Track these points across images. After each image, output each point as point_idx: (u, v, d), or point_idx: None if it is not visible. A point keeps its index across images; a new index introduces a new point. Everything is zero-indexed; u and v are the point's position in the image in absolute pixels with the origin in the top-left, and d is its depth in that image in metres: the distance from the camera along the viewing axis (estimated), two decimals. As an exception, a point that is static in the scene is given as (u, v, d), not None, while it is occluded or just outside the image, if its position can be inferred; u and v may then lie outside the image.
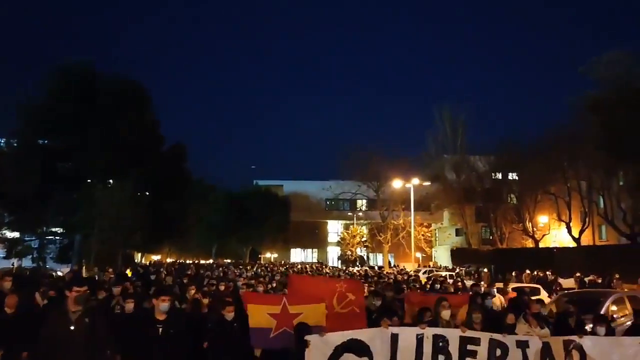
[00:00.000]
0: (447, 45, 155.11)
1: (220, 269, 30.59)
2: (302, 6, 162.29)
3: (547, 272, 32.80)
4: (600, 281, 26.99)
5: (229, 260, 55.76)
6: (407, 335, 7.04)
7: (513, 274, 33.50)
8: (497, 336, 7.23)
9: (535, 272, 34.30)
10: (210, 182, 53.50)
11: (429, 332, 7.11)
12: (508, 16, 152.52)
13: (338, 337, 6.82)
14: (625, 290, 21.24)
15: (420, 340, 7.00)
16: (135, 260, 44.32)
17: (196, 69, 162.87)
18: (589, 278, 27.02)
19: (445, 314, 8.16)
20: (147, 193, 36.38)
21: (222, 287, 12.98)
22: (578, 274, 30.73)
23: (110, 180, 33.36)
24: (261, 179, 68.96)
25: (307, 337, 6.63)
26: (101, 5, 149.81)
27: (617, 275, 26.04)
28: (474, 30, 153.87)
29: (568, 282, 29.45)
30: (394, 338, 6.96)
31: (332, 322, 7.38)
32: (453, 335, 7.14)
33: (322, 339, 6.74)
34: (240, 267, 35.55)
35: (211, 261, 52.64)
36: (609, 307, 13.04)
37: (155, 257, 54.29)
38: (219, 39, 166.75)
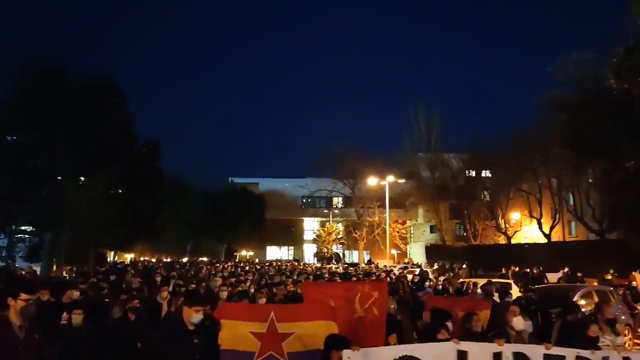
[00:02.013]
0: (421, 45, 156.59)
1: (193, 267, 30.17)
2: (275, 5, 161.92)
3: (534, 268, 33.10)
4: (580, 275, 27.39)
5: (205, 259, 55.42)
6: (480, 353, 5.79)
7: (503, 270, 33.72)
8: (585, 353, 6.21)
9: (517, 268, 34.71)
10: (185, 180, 52.96)
11: (508, 349, 5.90)
12: (480, 17, 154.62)
13: (388, 353, 5.57)
14: (595, 284, 21.92)
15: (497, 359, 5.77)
16: (108, 259, 43.71)
17: (171, 66, 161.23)
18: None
19: (517, 322, 7.24)
20: (120, 191, 35.88)
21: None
22: (566, 269, 31.25)
23: (82, 178, 32.78)
24: (237, 176, 68.63)
25: (345, 353, 5.16)
26: (74, 2, 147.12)
27: (611, 271, 26.51)
28: (447, 31, 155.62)
29: (553, 277, 29.96)
30: (462, 356, 5.69)
31: (352, 329, 6.20)
32: (536, 353, 5.98)
33: (365, 355, 5.26)
34: (217, 264, 35.25)
35: (186, 259, 52.23)
36: (577, 300, 13.58)
37: (129, 256, 53.61)
38: (195, 36, 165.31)
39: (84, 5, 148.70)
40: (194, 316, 5.27)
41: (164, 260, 48.01)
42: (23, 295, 4.44)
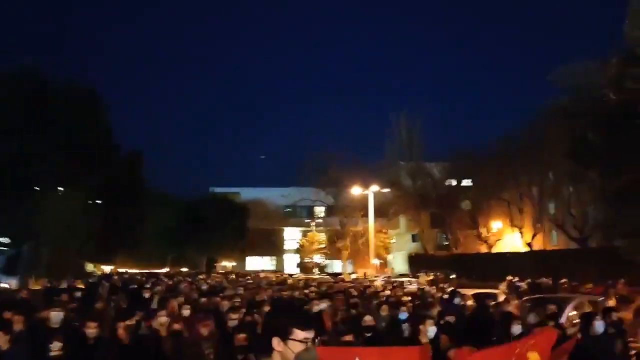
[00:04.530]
0: (404, 54, 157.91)
1: (172, 280, 28.70)
2: (258, 15, 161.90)
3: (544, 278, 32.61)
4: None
5: (185, 269, 54.59)
6: None
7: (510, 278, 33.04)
8: None
9: (515, 279, 33.86)
10: (166, 190, 52.31)
11: None
12: (463, 27, 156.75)
13: None
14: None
15: None
16: (87, 271, 42.76)
17: (151, 75, 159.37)
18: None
19: None
20: (100, 201, 35.25)
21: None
22: (510, 278, 31.09)
23: (61, 188, 32.07)
24: (218, 186, 68.03)
25: None
26: (53, 9, 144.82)
27: (609, 282, 26.33)
28: (431, 40, 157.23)
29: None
30: None
31: None
32: None
33: None
34: (201, 276, 34.56)
35: (165, 270, 51.41)
36: (570, 312, 13.30)
37: (107, 268, 52.53)
38: (175, 45, 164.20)
39: (62, 12, 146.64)
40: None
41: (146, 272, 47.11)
42: None
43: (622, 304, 10.61)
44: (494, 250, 54.17)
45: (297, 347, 2.54)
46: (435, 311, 8.78)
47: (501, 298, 20.18)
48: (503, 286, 30.91)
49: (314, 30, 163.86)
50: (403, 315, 8.94)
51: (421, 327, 6.88)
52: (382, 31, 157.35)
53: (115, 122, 39.97)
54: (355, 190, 44.10)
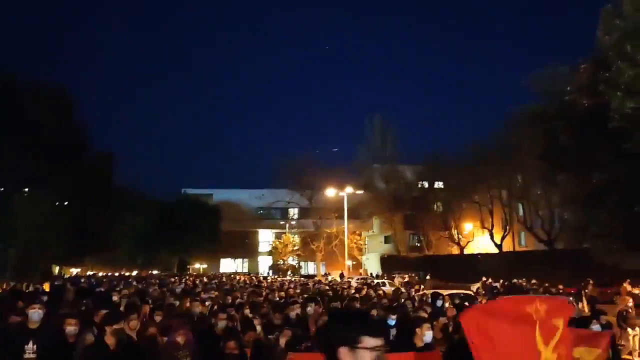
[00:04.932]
0: (379, 58, 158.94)
1: (142, 283, 27.95)
2: (231, 17, 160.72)
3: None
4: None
5: (155, 272, 53.78)
6: None
7: (484, 279, 33.37)
8: None
9: (489, 280, 34.11)
10: (138, 192, 51.41)
11: None
12: (437, 32, 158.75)
13: None
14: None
15: None
16: (54, 274, 41.73)
17: (123, 77, 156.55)
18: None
19: None
20: (69, 203, 34.47)
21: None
22: (484, 279, 31.61)
23: (28, 189, 31.22)
24: (190, 187, 67.26)
25: None
26: (24, 8, 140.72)
27: (582, 283, 27.00)
28: (406, 44, 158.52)
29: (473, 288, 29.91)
30: None
31: None
32: None
33: None
34: (172, 279, 34.00)
35: (135, 273, 50.56)
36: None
37: (75, 270, 51.35)
38: (147, 46, 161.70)
39: (33, 14, 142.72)
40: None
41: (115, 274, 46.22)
42: None
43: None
44: (465, 251, 54.96)
45: (367, 357, 2.37)
46: (423, 314, 8.62)
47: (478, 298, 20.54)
48: (475, 287, 31.54)
49: (287, 32, 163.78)
50: (391, 320, 8.85)
51: (417, 330, 6.66)
52: (357, 35, 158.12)
53: (85, 122, 39.10)
54: (330, 192, 44.12)
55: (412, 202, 58.05)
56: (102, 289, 20.86)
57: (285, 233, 62.62)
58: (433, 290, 14.06)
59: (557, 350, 4.01)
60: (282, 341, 7.36)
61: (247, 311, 10.50)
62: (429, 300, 13.41)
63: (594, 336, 6.55)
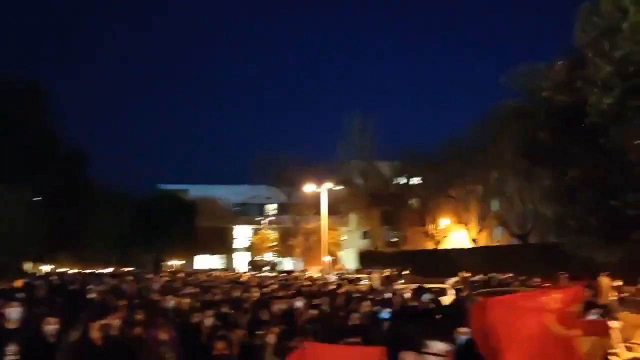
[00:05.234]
0: (358, 54, 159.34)
1: (116, 280, 27.19)
2: (208, 11, 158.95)
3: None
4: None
5: (130, 269, 52.94)
6: None
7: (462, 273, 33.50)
8: None
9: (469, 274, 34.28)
10: (113, 188, 50.55)
11: None
12: (415, 29, 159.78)
13: None
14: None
15: None
16: (27, 272, 40.76)
17: (98, 71, 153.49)
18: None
19: None
20: (42, 199, 33.68)
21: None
22: (464, 273, 31.95)
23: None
24: (166, 183, 66.34)
25: None
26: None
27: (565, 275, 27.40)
28: (383, 41, 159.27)
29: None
30: None
31: None
32: None
33: None
34: (149, 276, 33.42)
35: (109, 270, 49.70)
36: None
37: (47, 268, 50.24)
38: (122, 39, 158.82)
39: (6, 6, 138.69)
40: None
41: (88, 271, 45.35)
42: None
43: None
44: (441, 246, 55.58)
45: None
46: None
47: (449, 293, 20.76)
48: (450, 281, 31.94)
49: (267, 27, 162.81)
50: (385, 314, 8.78)
51: None
52: (336, 31, 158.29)
53: (59, 118, 38.20)
54: (309, 188, 44.10)
55: (390, 198, 58.47)
56: (76, 287, 20.45)
57: (262, 229, 62.35)
58: (417, 285, 14.06)
59: (574, 332, 4.05)
60: (271, 338, 7.24)
61: (225, 309, 10.29)
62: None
63: (589, 324, 6.50)
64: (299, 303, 10.30)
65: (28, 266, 43.68)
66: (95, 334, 6.69)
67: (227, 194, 63.62)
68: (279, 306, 10.54)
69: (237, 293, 16.15)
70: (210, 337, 7.44)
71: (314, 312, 9.78)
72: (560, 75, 22.72)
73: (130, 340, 7.64)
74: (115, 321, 7.83)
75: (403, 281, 29.19)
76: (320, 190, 41.23)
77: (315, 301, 11.56)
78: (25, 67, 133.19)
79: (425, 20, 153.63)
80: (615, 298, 14.64)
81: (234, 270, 54.15)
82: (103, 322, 6.86)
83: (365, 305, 9.33)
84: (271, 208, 65.57)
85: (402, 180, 59.93)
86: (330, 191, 45.67)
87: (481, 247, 50.90)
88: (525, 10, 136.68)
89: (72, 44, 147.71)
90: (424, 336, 2.22)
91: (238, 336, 7.49)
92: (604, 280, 19.08)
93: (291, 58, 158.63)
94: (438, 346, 2.17)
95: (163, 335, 6.79)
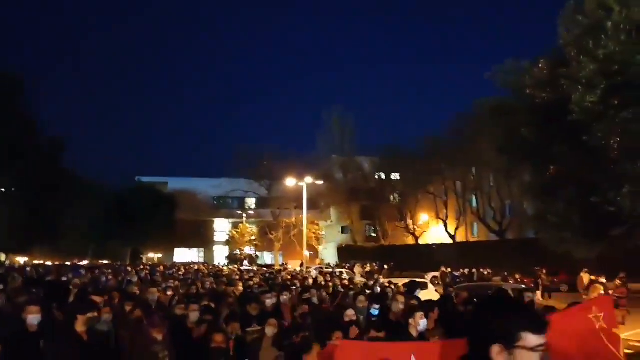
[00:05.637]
0: (338, 49, 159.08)
1: (93, 272, 26.49)
2: (190, 6, 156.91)
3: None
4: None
5: (106, 261, 52.12)
6: None
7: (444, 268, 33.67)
8: None
9: (448, 270, 34.42)
10: (90, 179, 49.62)
11: None
12: (397, 24, 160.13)
13: None
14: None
15: None
16: (1, 262, 39.81)
17: (76, 61, 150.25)
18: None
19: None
20: (17, 189, 32.90)
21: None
22: (442, 268, 32.34)
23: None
24: (144, 175, 65.47)
25: None
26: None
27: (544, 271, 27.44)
28: (364, 36, 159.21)
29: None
30: None
31: None
32: None
33: None
34: (129, 268, 32.86)
35: (85, 262, 48.85)
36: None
37: (23, 259, 49.14)
38: (100, 29, 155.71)
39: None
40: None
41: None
42: None
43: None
44: (420, 241, 56.04)
45: (527, 358, 1.95)
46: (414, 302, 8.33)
47: (430, 287, 20.90)
48: (429, 276, 32.19)
49: (247, 23, 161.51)
50: (374, 310, 8.69)
51: (411, 320, 6.43)
52: (317, 27, 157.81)
53: (36, 107, 37.18)
54: (290, 182, 43.96)
55: (369, 193, 58.77)
56: (51, 278, 19.88)
57: (242, 223, 62.05)
58: (410, 280, 14.00)
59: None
60: (270, 330, 7.11)
61: (204, 302, 10.03)
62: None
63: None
64: (284, 297, 10.13)
65: (1, 258, 42.72)
66: (80, 327, 6.45)
67: (207, 187, 63.02)
68: (271, 300, 10.40)
69: (221, 287, 15.96)
70: (204, 331, 7.30)
71: (305, 306, 9.67)
72: (543, 72, 22.96)
73: (122, 336, 7.43)
74: (105, 315, 7.62)
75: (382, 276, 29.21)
76: (300, 184, 41.08)
77: (306, 295, 11.48)
78: (2, 57, 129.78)
79: (407, 17, 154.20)
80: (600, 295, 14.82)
81: (213, 263, 53.74)
82: (89, 315, 6.61)
83: (361, 301, 9.23)
84: (251, 202, 65.27)
85: (382, 176, 60.23)
86: (310, 186, 45.62)
87: (460, 243, 51.53)
88: (509, 8, 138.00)
89: (53, 34, 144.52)
90: (519, 328, 1.98)
91: (234, 329, 7.33)
92: (585, 277, 19.41)
93: (272, 53, 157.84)
94: (533, 339, 1.95)
95: (157, 334, 6.51)
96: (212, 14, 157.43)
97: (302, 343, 5.75)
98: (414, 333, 6.42)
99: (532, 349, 1.94)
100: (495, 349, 1.95)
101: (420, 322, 6.41)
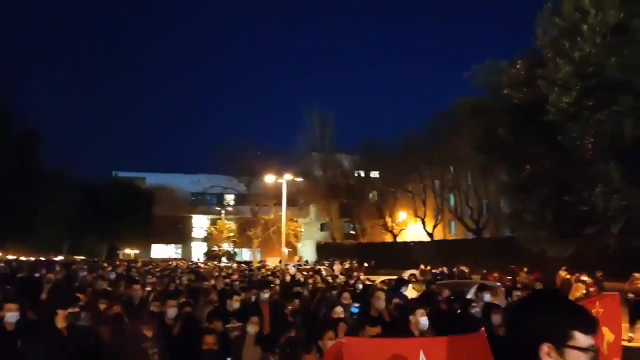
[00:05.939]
0: (318, 48, 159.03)
1: (68, 268, 26.07)
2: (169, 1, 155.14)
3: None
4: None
5: (81, 257, 51.35)
6: None
7: (423, 266, 33.84)
8: None
9: (427, 267, 34.82)
10: (66, 173, 48.73)
11: None
12: (378, 22, 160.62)
13: None
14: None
15: None
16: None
17: (52, 52, 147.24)
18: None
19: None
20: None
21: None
22: (422, 266, 32.63)
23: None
24: (121, 170, 64.66)
25: None
26: None
27: (525, 269, 27.79)
28: (344, 34, 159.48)
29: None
30: None
31: None
32: None
33: None
34: (105, 264, 32.50)
35: (60, 258, 48.04)
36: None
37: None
38: (77, 21, 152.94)
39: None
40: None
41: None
42: None
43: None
44: (398, 239, 56.41)
45: (578, 358, 1.85)
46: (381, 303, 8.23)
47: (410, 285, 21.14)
48: (407, 273, 32.43)
49: (228, 20, 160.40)
50: (354, 308, 8.65)
51: (411, 317, 6.15)
52: (298, 25, 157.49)
53: (8, 97, 36.37)
54: (269, 179, 43.87)
55: (348, 190, 58.98)
56: (22, 275, 19.47)
57: (220, 219, 61.70)
58: (397, 277, 14.05)
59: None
60: (252, 328, 7.10)
61: (182, 299, 9.94)
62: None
63: None
64: (265, 295, 10.13)
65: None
66: (61, 323, 6.37)
67: (185, 183, 62.52)
68: (251, 297, 10.44)
69: (200, 283, 15.95)
70: (182, 327, 7.31)
71: (294, 303, 9.70)
72: (521, 73, 23.33)
73: (100, 332, 7.35)
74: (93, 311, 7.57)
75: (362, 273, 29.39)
76: (280, 181, 41.03)
77: (297, 289, 11.52)
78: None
79: (387, 17, 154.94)
80: (583, 293, 15.05)
81: (191, 260, 53.37)
82: (70, 310, 6.54)
83: (345, 298, 9.26)
84: (230, 198, 64.96)
85: (361, 174, 60.47)
86: (289, 182, 45.62)
87: (438, 241, 51.98)
88: (489, 9, 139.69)
89: (30, 28, 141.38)
90: (570, 327, 1.92)
91: (217, 327, 7.32)
92: (562, 274, 19.80)
93: (252, 49, 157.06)
94: (584, 340, 1.90)
95: (147, 331, 6.51)
96: (194, 10, 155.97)
97: (301, 343, 5.73)
98: (415, 331, 6.13)
99: (585, 350, 1.87)
100: (544, 349, 1.88)
101: (421, 320, 6.11)
